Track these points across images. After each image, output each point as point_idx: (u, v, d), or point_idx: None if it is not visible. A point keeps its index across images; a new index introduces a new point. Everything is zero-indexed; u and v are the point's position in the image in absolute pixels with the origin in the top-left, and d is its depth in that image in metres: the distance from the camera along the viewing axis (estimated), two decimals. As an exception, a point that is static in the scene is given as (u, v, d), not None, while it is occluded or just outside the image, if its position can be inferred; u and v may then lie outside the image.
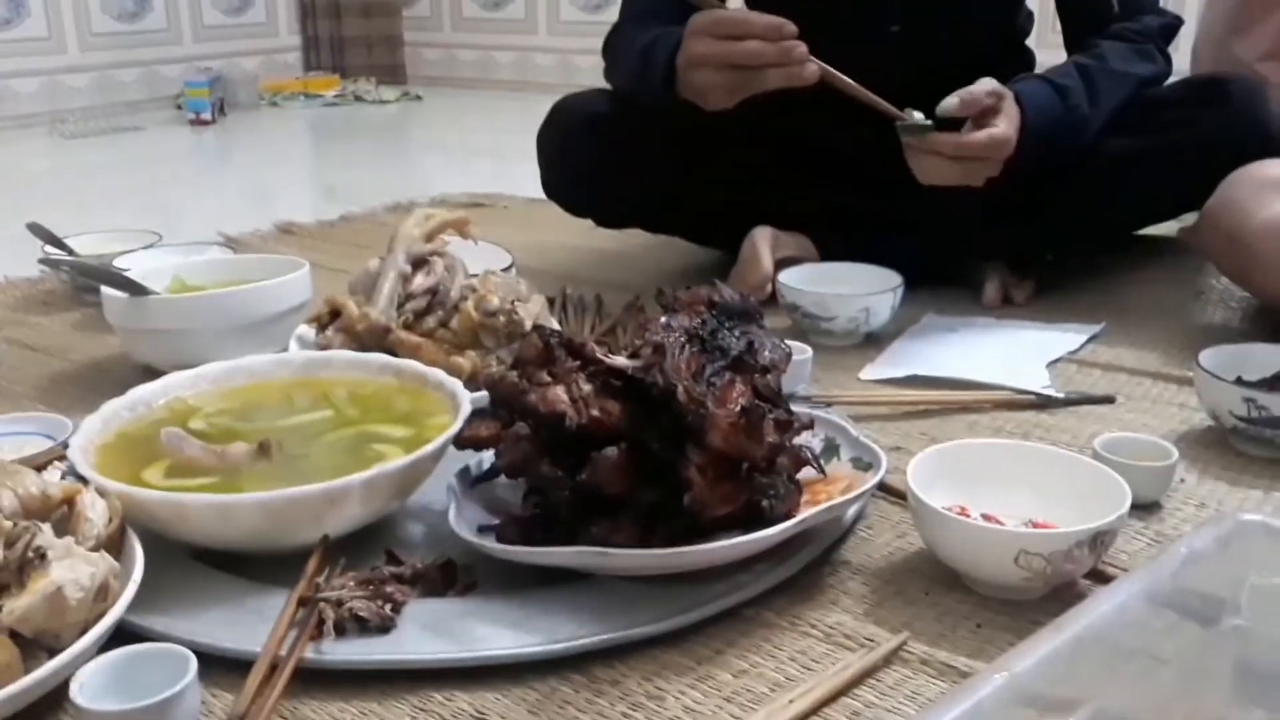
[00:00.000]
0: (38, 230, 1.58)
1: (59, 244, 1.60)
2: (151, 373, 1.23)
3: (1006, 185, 1.33)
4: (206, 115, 3.56)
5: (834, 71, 1.25)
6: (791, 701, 0.69)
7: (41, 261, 1.45)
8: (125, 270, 1.36)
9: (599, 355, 0.83)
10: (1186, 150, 1.37)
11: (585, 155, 1.55)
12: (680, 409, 0.76)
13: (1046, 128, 1.32)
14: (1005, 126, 1.28)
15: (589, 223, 1.75)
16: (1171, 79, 1.51)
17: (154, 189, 2.73)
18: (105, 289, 1.28)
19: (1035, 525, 0.85)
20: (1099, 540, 0.78)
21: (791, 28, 1.21)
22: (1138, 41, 1.45)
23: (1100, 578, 0.83)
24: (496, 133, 3.52)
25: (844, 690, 0.71)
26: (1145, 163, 1.39)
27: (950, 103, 1.26)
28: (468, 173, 2.77)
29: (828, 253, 1.49)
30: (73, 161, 3.10)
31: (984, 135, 1.26)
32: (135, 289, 1.26)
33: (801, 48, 1.22)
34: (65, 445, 0.96)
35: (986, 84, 1.28)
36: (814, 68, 1.23)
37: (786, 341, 0.91)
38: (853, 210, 1.52)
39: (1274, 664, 0.63)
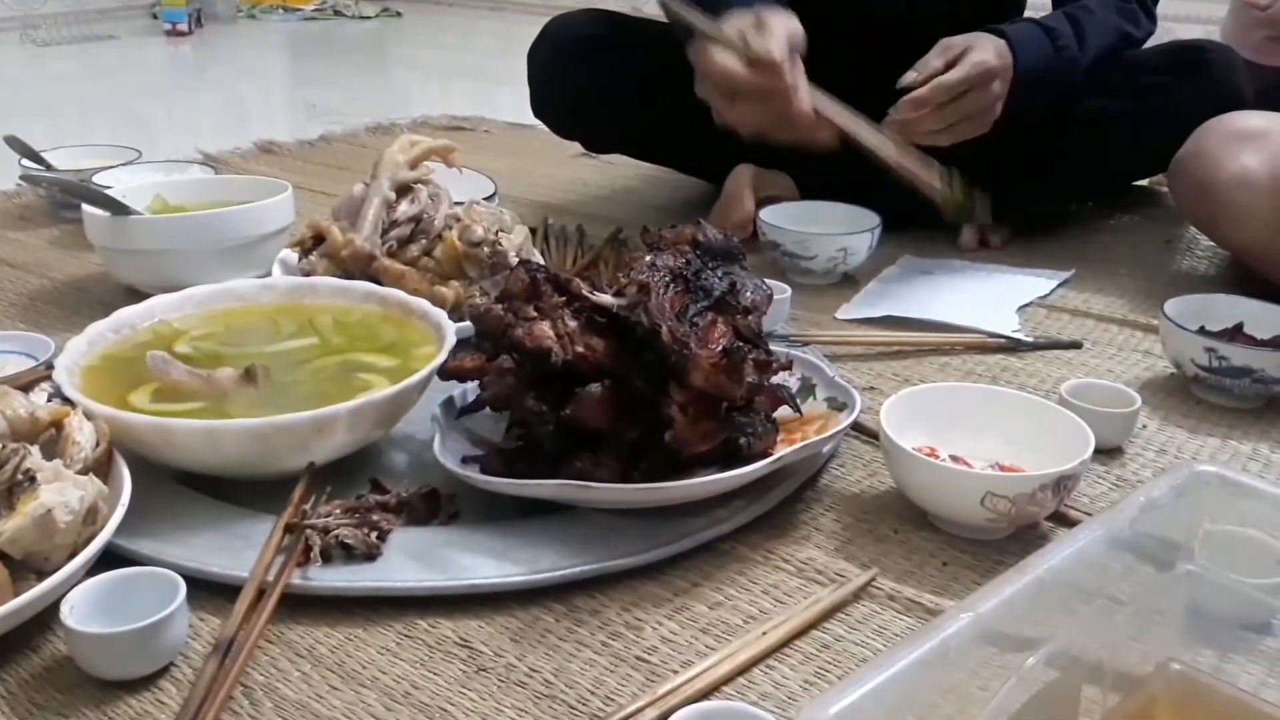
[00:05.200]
0: (15, 144, 1.57)
1: (37, 158, 1.58)
2: (132, 293, 1.23)
3: (998, 131, 1.33)
4: (183, 26, 3.49)
5: (832, 107, 1.17)
6: (764, 633, 0.72)
7: (23, 178, 1.44)
8: (107, 188, 1.35)
9: (585, 292, 0.85)
10: (1163, 116, 1.37)
11: (577, 78, 1.54)
12: (663, 348, 0.78)
13: (1038, 66, 1.31)
14: (979, 54, 1.26)
15: (571, 151, 1.75)
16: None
17: (130, 102, 2.68)
18: (87, 207, 1.28)
19: (1002, 468, 0.88)
20: (1062, 484, 0.81)
21: (779, 55, 1.10)
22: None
23: (1063, 519, 0.86)
24: (477, 53, 3.47)
25: (814, 623, 0.74)
26: (1121, 124, 1.40)
27: (909, 76, 1.26)
28: (448, 94, 2.75)
29: (809, 192, 1.50)
30: (45, 70, 3.04)
31: (958, 69, 1.25)
32: (118, 208, 1.26)
33: (795, 88, 1.11)
34: (49, 366, 0.97)
35: (935, 49, 1.28)
36: (808, 111, 1.13)
37: (766, 280, 0.92)
38: (835, 151, 1.52)
39: (1223, 607, 0.65)
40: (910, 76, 1.27)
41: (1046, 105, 1.38)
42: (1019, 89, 1.29)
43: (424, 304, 1.01)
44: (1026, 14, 1.49)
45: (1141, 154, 1.44)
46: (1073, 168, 1.46)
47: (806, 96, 1.07)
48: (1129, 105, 1.40)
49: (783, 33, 1.14)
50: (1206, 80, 1.38)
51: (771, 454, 0.83)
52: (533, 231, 1.36)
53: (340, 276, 1.11)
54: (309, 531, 0.78)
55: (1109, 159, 1.46)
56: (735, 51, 1.10)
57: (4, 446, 0.75)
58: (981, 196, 1.08)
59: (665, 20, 1.62)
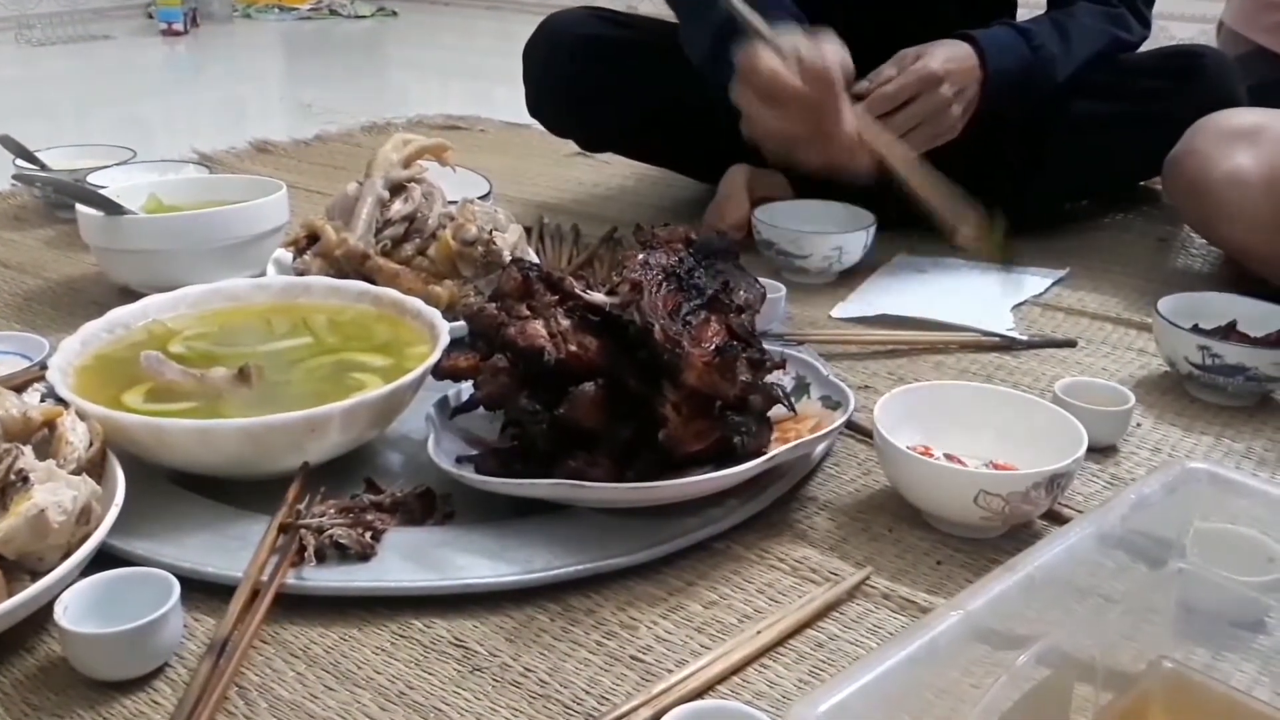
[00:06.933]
0: (9, 143, 1.56)
1: (31, 158, 1.58)
2: (126, 292, 1.23)
3: (984, 130, 1.34)
4: (179, 25, 3.49)
5: (875, 132, 1.12)
6: (759, 632, 0.72)
7: (17, 178, 1.44)
8: (101, 188, 1.35)
9: (578, 291, 0.85)
10: (1157, 121, 1.37)
11: (572, 77, 1.54)
12: (656, 347, 0.78)
13: (1011, 65, 1.33)
14: (923, 61, 1.28)
15: (567, 150, 1.75)
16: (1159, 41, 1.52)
17: (125, 101, 2.68)
18: (81, 207, 1.27)
19: (995, 466, 0.88)
20: (1055, 482, 0.81)
21: (834, 68, 1.05)
22: (1111, 5, 1.45)
23: (1056, 518, 0.86)
24: (473, 53, 3.47)
25: (809, 622, 0.74)
26: (1116, 129, 1.41)
27: (860, 85, 1.27)
28: (444, 93, 2.75)
29: (803, 191, 1.50)
30: (40, 70, 3.04)
31: (897, 79, 1.27)
32: (112, 208, 1.25)
33: (842, 106, 1.06)
34: (43, 366, 0.97)
35: (891, 60, 1.30)
36: (852, 131, 1.07)
37: (761, 279, 0.92)
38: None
39: (1215, 605, 0.66)
40: (862, 85, 1.28)
41: (1026, 105, 1.39)
42: (991, 89, 1.31)
43: (418, 303, 1.01)
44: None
45: (1136, 158, 1.45)
46: (1067, 171, 1.47)
47: (851, 116, 1.02)
48: (1124, 109, 1.41)
49: (836, 50, 1.10)
50: (1202, 86, 1.39)
51: (765, 453, 0.83)
52: (528, 230, 1.36)
53: (334, 276, 1.11)
54: (303, 531, 0.78)
55: (1103, 163, 1.47)
56: (786, 59, 1.04)
57: (-3, 447, 0.75)
58: (1001, 229, 1.04)
59: (663, 19, 1.62)
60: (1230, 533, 0.68)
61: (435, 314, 0.98)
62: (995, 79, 1.31)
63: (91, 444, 0.80)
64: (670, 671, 0.69)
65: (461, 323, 0.91)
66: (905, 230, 1.49)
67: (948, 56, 1.30)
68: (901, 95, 1.28)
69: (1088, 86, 1.41)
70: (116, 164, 1.59)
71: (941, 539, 0.84)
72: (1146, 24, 1.48)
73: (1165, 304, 1.09)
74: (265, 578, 0.75)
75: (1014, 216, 1.52)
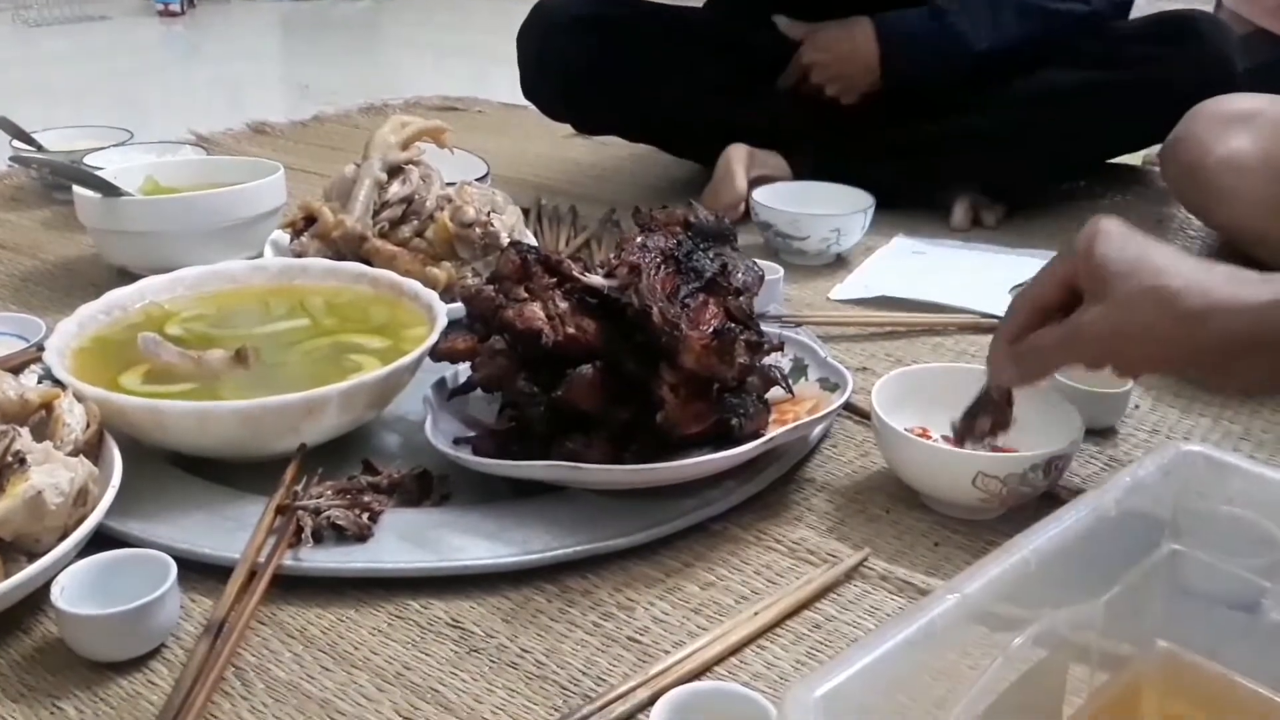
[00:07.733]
0: (6, 125, 1.56)
1: (28, 139, 1.58)
2: (123, 274, 1.23)
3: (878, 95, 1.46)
4: (175, 6, 3.48)
5: None
6: (756, 614, 0.72)
7: (14, 159, 1.44)
8: (98, 169, 1.34)
9: (575, 273, 0.84)
10: (1153, 86, 1.37)
11: (566, 59, 1.53)
12: (654, 329, 0.78)
13: (909, 38, 1.42)
14: (800, 52, 1.50)
15: (565, 131, 1.74)
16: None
17: (122, 82, 2.67)
18: (78, 189, 1.27)
19: (994, 448, 0.88)
20: (1053, 465, 0.81)
21: None
22: None
23: (1055, 499, 0.86)
24: (470, 33, 3.46)
25: (806, 604, 0.74)
26: (1111, 96, 1.41)
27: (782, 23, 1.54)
28: (441, 74, 2.74)
29: (801, 172, 1.49)
30: (37, 51, 3.03)
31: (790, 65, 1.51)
32: (109, 189, 1.25)
33: None
34: (40, 347, 0.97)
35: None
36: None
37: (758, 261, 0.92)
38: (827, 131, 1.52)
39: (1210, 586, 0.65)
40: (783, 22, 1.53)
41: (940, 76, 1.46)
42: (886, 65, 1.45)
43: (415, 285, 1.00)
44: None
45: (1134, 125, 1.45)
46: (1067, 140, 1.46)
47: None
48: (1116, 77, 1.40)
49: None
50: (1197, 50, 1.38)
51: (763, 435, 0.83)
52: (525, 212, 1.35)
53: (332, 258, 1.11)
54: (300, 513, 0.78)
55: (1101, 131, 1.46)
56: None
57: (-6, 428, 0.75)
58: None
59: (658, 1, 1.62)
60: (1225, 514, 0.68)
61: (433, 296, 0.98)
62: (889, 53, 1.43)
63: (89, 426, 0.80)
64: (667, 653, 0.69)
65: (459, 304, 0.91)
66: (904, 211, 1.49)
67: (824, 45, 1.48)
68: (792, 79, 1.52)
69: (1079, 57, 1.41)
70: (113, 145, 1.59)
71: (939, 520, 0.84)
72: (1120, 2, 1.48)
73: (1164, 286, 1.09)
74: (262, 559, 0.75)
75: (1009, 194, 1.52)
